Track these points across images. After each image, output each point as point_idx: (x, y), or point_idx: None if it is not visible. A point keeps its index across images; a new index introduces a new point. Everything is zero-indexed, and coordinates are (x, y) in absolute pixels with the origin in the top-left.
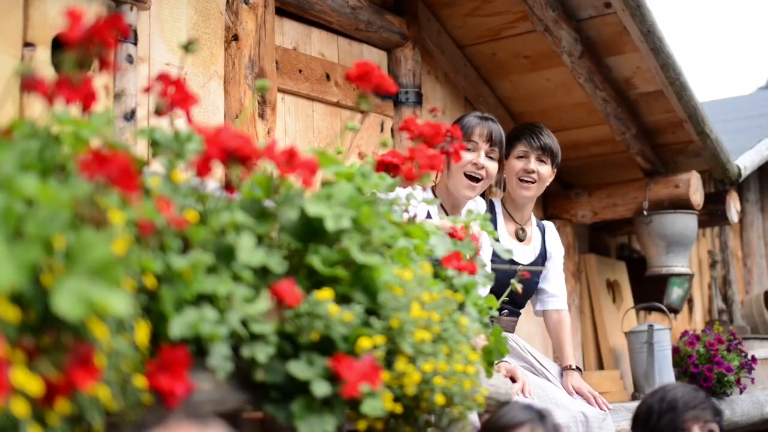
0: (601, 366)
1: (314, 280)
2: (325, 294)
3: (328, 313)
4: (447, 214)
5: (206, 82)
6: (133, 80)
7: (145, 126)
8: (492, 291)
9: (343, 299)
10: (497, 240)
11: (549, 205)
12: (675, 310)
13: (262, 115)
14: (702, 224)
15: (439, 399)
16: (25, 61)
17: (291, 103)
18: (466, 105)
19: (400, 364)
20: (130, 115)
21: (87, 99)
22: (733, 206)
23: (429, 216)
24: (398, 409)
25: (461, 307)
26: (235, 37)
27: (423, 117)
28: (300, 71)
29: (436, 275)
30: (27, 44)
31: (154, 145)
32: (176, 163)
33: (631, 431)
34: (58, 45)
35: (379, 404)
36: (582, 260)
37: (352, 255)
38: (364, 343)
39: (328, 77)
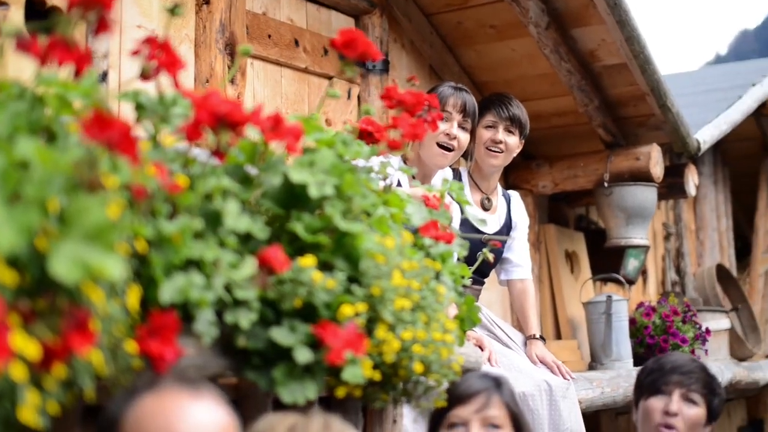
0: (558, 336)
1: (295, 247)
2: (309, 261)
3: (311, 280)
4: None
5: (177, 45)
6: (104, 43)
7: (119, 89)
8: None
9: (324, 266)
10: (464, 208)
11: (510, 175)
12: (631, 282)
13: (232, 80)
14: (660, 197)
15: (418, 367)
16: None
17: (260, 68)
18: (431, 74)
19: (380, 332)
20: (102, 78)
21: (80, 62)
22: (692, 179)
23: (399, 185)
24: (377, 376)
25: (437, 276)
26: (207, 1)
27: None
28: (269, 36)
29: (413, 244)
30: (0, 3)
31: (139, 108)
32: (161, 128)
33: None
34: (31, 6)
35: (359, 371)
36: (541, 230)
37: (335, 222)
38: (346, 310)
39: (296, 43)
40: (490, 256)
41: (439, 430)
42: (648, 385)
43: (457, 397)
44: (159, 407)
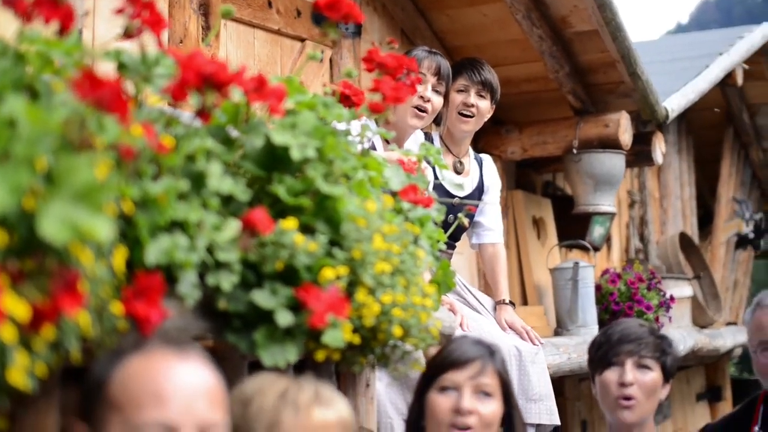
0: (525, 302)
1: (276, 210)
2: (291, 223)
3: (293, 243)
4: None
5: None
6: (79, 1)
7: (94, 48)
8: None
9: (305, 230)
10: (439, 172)
11: (479, 141)
12: (596, 248)
13: (205, 41)
14: (628, 164)
15: (397, 331)
16: None
17: (233, 29)
18: (402, 38)
19: (360, 296)
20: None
21: (66, 19)
22: (659, 147)
23: (374, 149)
24: (356, 340)
25: (415, 240)
26: None
27: (362, 48)
28: None
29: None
30: None
31: (121, 68)
32: (143, 88)
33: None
34: None
35: (340, 335)
36: (509, 196)
37: (317, 185)
38: (328, 273)
39: (270, 4)
40: (466, 221)
41: (429, 391)
42: (600, 359)
43: (451, 361)
44: (146, 368)
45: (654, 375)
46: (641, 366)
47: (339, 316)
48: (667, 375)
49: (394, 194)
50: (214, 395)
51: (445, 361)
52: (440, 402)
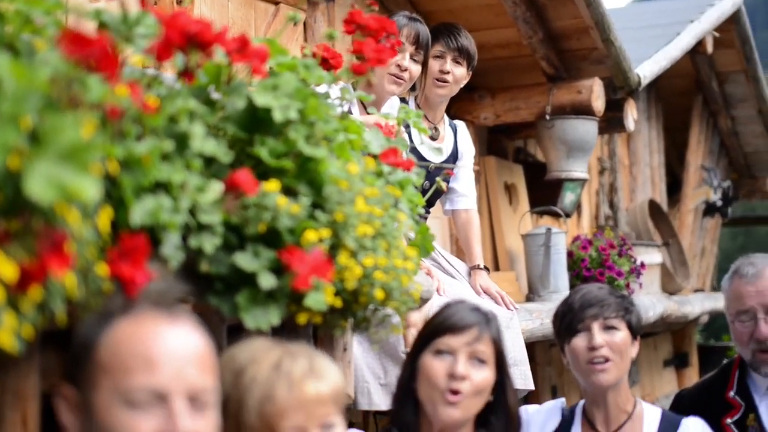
0: (496, 267)
1: (258, 172)
2: (273, 185)
3: (276, 205)
4: (366, 111)
5: None
6: None
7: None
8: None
9: (287, 192)
10: (416, 137)
11: (452, 107)
12: (567, 215)
13: (180, 3)
14: (599, 131)
15: (379, 294)
16: None
17: None
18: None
19: (343, 258)
20: None
21: None
22: (631, 114)
23: (350, 113)
24: (338, 303)
25: (396, 203)
26: None
27: (337, 12)
28: None
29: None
30: None
31: (102, 27)
32: (124, 47)
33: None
34: None
35: (322, 298)
36: (481, 162)
37: (299, 147)
38: (310, 236)
39: None
40: (443, 185)
41: (423, 354)
42: (566, 328)
43: (449, 326)
44: (136, 332)
45: (622, 334)
46: (608, 327)
47: (323, 278)
48: (634, 332)
49: (374, 157)
50: (204, 360)
51: (442, 324)
52: (434, 365)
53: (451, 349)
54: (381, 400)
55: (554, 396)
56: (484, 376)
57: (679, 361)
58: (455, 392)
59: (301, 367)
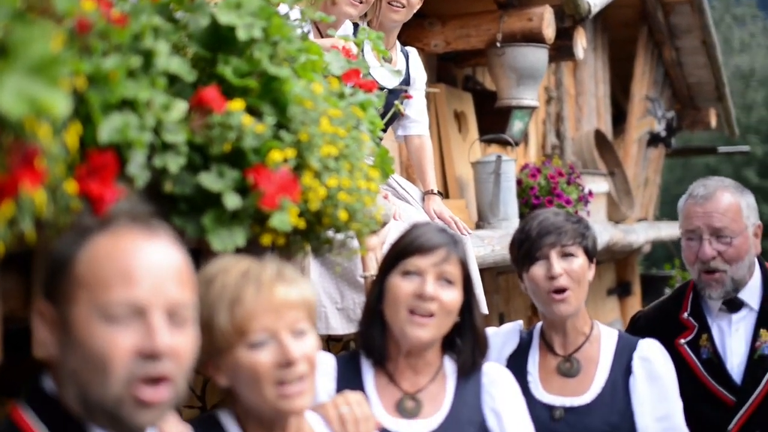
0: (446, 195)
1: (221, 92)
2: (238, 104)
3: (240, 124)
4: (321, 35)
5: None
6: None
7: None
8: None
9: (251, 113)
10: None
11: (402, 34)
12: (515, 143)
13: None
14: (549, 59)
15: (342, 215)
16: None
17: None
18: None
19: (307, 179)
20: None
21: None
22: (580, 43)
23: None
24: (301, 224)
25: (357, 125)
26: None
27: None
28: None
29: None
30: None
31: None
32: None
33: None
34: None
35: (287, 219)
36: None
37: (264, 66)
38: (275, 155)
39: None
40: (402, 108)
41: (391, 275)
42: (524, 256)
43: (417, 247)
44: (114, 247)
45: (580, 261)
46: (566, 255)
47: (290, 197)
48: (591, 257)
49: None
50: (182, 275)
51: (410, 246)
52: (402, 286)
53: (419, 270)
54: (338, 325)
55: (502, 324)
56: (453, 296)
57: (622, 290)
58: (425, 313)
59: (270, 272)
